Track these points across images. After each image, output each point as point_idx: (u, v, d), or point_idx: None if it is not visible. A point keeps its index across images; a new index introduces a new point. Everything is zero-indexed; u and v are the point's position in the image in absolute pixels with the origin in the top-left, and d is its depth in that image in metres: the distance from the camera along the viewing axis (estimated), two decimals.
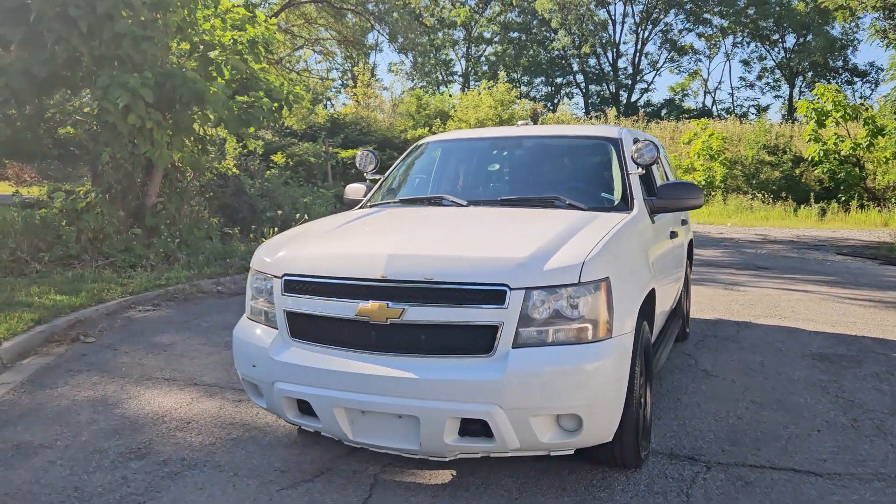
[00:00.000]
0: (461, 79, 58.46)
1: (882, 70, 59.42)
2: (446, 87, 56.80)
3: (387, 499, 3.31)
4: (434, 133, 30.41)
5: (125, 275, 8.63)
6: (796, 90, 55.68)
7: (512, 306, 2.95)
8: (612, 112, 33.46)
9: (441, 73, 58.38)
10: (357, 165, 4.65)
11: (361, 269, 3.16)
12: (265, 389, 3.39)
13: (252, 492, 3.41)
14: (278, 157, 17.58)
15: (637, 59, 56.67)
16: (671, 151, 28.18)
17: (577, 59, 56.62)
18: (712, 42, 56.45)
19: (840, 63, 54.14)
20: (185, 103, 9.41)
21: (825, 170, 23.99)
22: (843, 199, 23.26)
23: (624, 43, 57.29)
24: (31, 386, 5.07)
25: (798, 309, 8.04)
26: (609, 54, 56.91)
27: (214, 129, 11.04)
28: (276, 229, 11.34)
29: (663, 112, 53.40)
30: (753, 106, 56.85)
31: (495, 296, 2.97)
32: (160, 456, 3.84)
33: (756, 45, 56.48)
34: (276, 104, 10.79)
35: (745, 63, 57.18)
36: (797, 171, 25.57)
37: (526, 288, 2.96)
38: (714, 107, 57.04)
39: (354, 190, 4.92)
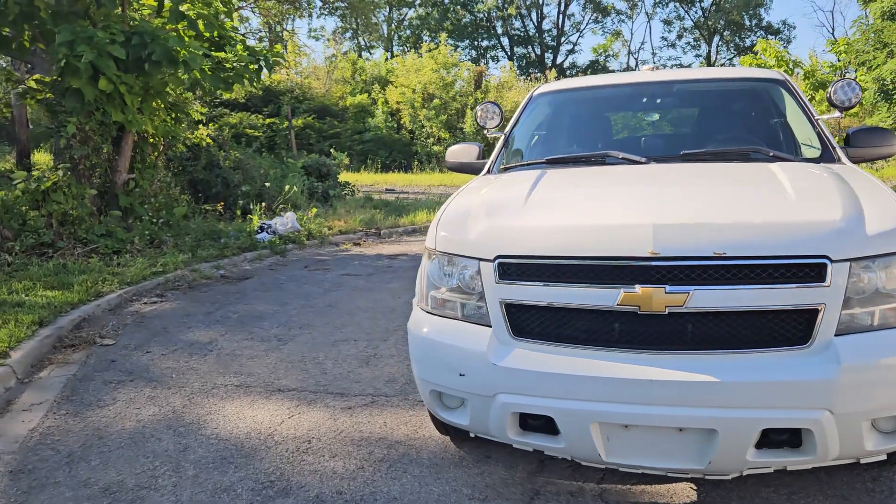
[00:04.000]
0: (384, 43, 56.87)
1: (794, 27, 61.67)
2: (369, 52, 55.24)
3: None
4: (373, 98, 29.31)
5: (113, 263, 7.52)
6: (713, 48, 57.01)
7: (835, 283, 2.31)
8: (552, 74, 33.08)
9: (364, 39, 56.65)
10: (477, 120, 3.88)
11: (619, 245, 2.45)
12: (477, 404, 2.65)
13: None
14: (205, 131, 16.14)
15: (561, 20, 56.55)
16: None
17: (502, 22, 56.00)
18: (633, 2, 56.91)
19: (755, 22, 55.63)
20: (156, 63, 8.21)
21: None
22: None
23: (547, 4, 56.85)
24: (73, 406, 4.12)
25: None
26: (533, 16, 56.55)
27: (191, 92, 9.85)
28: (263, 205, 10.30)
29: (588, 73, 53.59)
30: (676, 65, 57.67)
31: (812, 271, 2.32)
32: (307, 490, 3.04)
33: (675, 6, 57.33)
34: (252, 65, 9.68)
35: (667, 23, 58.03)
36: None
37: (850, 259, 2.33)
38: (637, 67, 57.65)
39: (465, 151, 4.13)
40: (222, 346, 5.21)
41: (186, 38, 8.21)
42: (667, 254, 2.38)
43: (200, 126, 11.33)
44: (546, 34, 56.85)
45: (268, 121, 26.09)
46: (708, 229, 2.42)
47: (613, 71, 55.15)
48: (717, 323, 2.38)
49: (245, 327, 5.70)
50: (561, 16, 56.23)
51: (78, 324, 5.77)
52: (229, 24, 9.84)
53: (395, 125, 28.43)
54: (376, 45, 56.69)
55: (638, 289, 2.38)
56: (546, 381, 2.49)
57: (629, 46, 59.39)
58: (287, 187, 10.95)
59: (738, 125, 3.87)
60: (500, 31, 56.75)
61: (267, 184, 10.85)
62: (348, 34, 54.77)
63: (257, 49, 9.43)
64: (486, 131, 4.06)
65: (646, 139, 3.97)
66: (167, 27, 8.75)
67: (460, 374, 2.64)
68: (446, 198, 14.35)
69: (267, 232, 9.41)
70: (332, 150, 18.19)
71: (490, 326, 2.65)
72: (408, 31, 56.62)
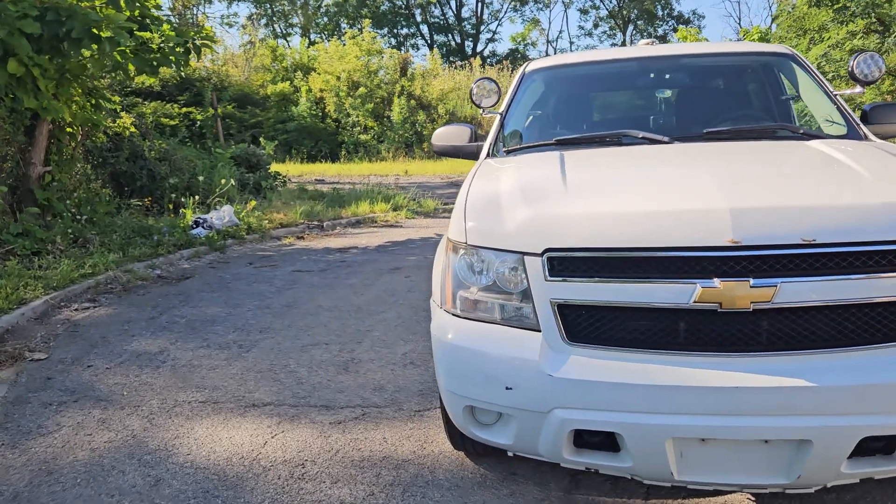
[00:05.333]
0: (300, 31, 55.39)
1: (703, 17, 63.60)
2: (285, 39, 53.76)
3: None
4: (296, 86, 28.38)
5: (34, 265, 6.75)
6: (628, 37, 58.19)
7: None
8: (476, 61, 32.88)
9: (280, 26, 55.11)
10: (472, 98, 3.49)
11: (693, 233, 2.13)
12: (527, 421, 2.29)
13: None
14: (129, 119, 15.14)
15: (479, 8, 56.43)
16: None
17: (421, 10, 55.44)
18: None
19: (667, 11, 57.08)
20: (76, 41, 7.39)
21: None
22: None
23: None
24: (9, 435, 3.53)
25: None
26: (453, 3, 56.21)
27: (114, 75, 9.01)
28: (196, 198, 9.59)
29: (508, 62, 53.70)
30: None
31: None
32: None
33: None
34: (179, 48, 8.93)
35: (583, 12, 58.89)
36: None
37: None
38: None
39: (455, 133, 3.74)
40: (175, 355, 4.66)
41: (113, 14, 7.40)
42: (749, 242, 2.08)
43: (124, 114, 10.45)
44: (466, 22, 56.68)
45: (184, 109, 24.81)
46: (792, 213, 2.14)
47: (533, 58, 55.62)
48: (808, 319, 2.10)
49: (197, 333, 5.15)
50: (480, 4, 56.15)
51: (1, 336, 5.09)
52: (153, 1, 9.05)
53: (320, 114, 27.60)
54: (293, 33, 55.26)
55: (718, 283, 2.07)
56: (612, 393, 2.15)
57: (547, 35, 59.90)
58: (223, 180, 10.23)
59: (753, 102, 3.65)
60: (419, 18, 56.19)
61: (200, 177, 10.10)
62: (263, 21, 53.16)
63: (185, 30, 8.68)
64: (481, 111, 3.68)
65: (655, 118, 3.69)
66: (83, 4, 7.94)
67: (507, 388, 2.27)
68: (386, 188, 13.92)
69: (203, 227, 8.75)
70: (260, 140, 17.41)
71: (537, 331, 2.29)
72: (325, 19, 55.31)
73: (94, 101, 8.64)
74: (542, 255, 2.25)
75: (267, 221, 9.60)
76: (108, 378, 4.30)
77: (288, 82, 29.00)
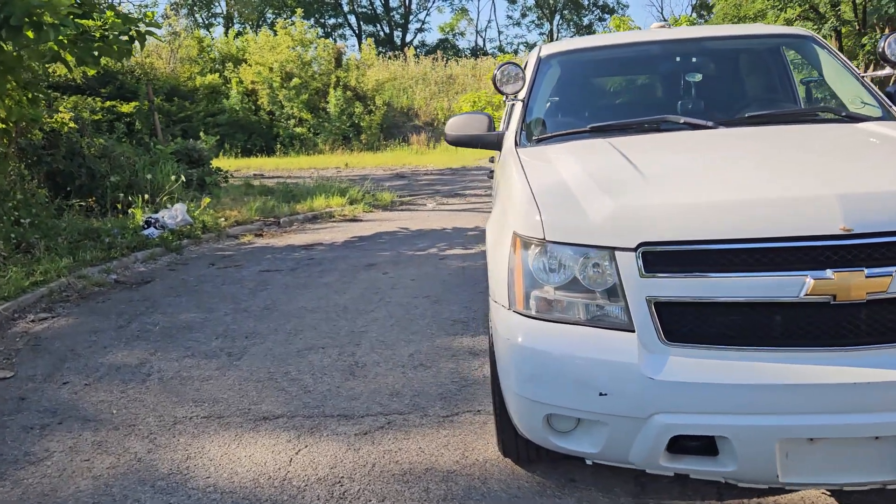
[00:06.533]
0: (223, 20, 53.69)
1: (627, 6, 64.80)
2: (208, 30, 52.01)
3: None
4: (226, 78, 27.44)
5: None
6: (555, 27, 58.85)
7: None
8: (410, 51, 32.54)
9: (202, 16, 53.31)
10: (495, 83, 3.28)
11: (800, 222, 2.01)
12: (621, 428, 2.12)
13: None
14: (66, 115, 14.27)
15: None
16: (479, 88, 28.06)
17: (347, 0, 54.59)
18: None
19: (592, 1, 57.98)
20: (15, 29, 6.79)
21: None
22: None
23: None
24: None
25: None
26: None
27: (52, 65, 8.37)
28: (145, 197, 9.05)
29: (439, 51, 53.41)
30: (522, 43, 59.04)
31: None
32: None
33: None
34: (124, 36, 8.37)
35: (511, 1, 59.11)
36: None
37: None
38: (485, 45, 58.47)
39: (472, 122, 3.51)
40: (160, 367, 4.32)
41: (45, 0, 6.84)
42: (863, 229, 1.97)
43: (62, 108, 9.77)
44: (394, 12, 56.14)
45: (108, 104, 23.64)
46: None
47: (462, 49, 55.58)
48: None
49: (176, 342, 4.79)
50: None
51: None
52: None
53: (253, 106, 26.73)
54: (216, 23, 53.54)
55: (831, 274, 1.96)
56: (719, 395, 2.01)
57: (476, 25, 59.96)
58: (173, 176, 9.69)
59: (778, 85, 3.59)
60: (346, 8, 55.32)
61: (149, 175, 9.53)
62: (184, 11, 51.27)
63: (132, 17, 8.11)
64: (504, 97, 3.49)
65: (683, 102, 3.58)
66: None
67: (600, 394, 2.10)
68: (337, 181, 13.52)
69: (155, 227, 8.26)
70: (200, 134, 16.71)
71: (628, 331, 2.13)
72: (247, 9, 53.72)
73: (30, 95, 8.00)
74: (635, 249, 2.09)
75: (222, 219, 9.16)
76: (91, 395, 3.93)
77: (217, 74, 27.99)
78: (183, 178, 9.85)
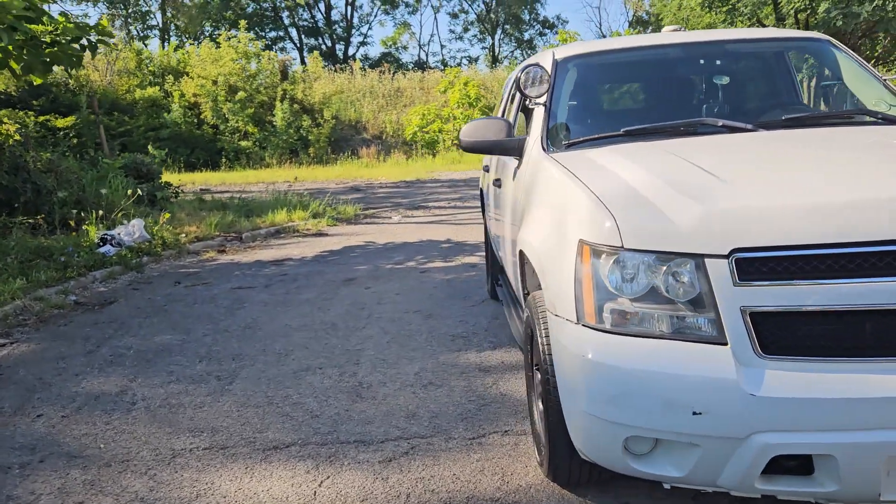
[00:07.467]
0: (160, 32, 52.36)
1: (567, 22, 65.94)
2: (143, 42, 50.60)
3: None
4: (167, 91, 26.64)
5: None
6: (497, 41, 59.45)
7: None
8: (356, 64, 32.27)
9: (136, 28, 51.85)
10: (520, 86, 3.11)
11: None
12: (714, 450, 1.96)
13: None
14: (12, 126, 13.59)
15: (349, 11, 55.71)
16: (425, 101, 27.97)
17: (289, 12, 53.96)
18: None
19: (532, 16, 58.83)
20: None
21: None
22: None
23: None
24: None
25: None
26: (321, 6, 55.12)
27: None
28: (99, 213, 8.54)
29: (383, 64, 53.18)
30: (465, 57, 59.43)
31: None
32: None
33: None
34: (75, 43, 7.91)
35: (453, 16, 59.53)
36: None
37: None
38: (428, 59, 58.59)
39: (490, 128, 3.31)
40: (144, 394, 3.98)
41: None
42: None
43: (6, 119, 9.20)
44: (336, 25, 55.76)
45: (42, 118, 22.61)
46: None
47: (405, 63, 55.49)
48: None
49: (156, 366, 4.45)
50: (349, 7, 55.45)
51: None
52: None
53: (195, 120, 26.01)
54: (152, 35, 52.19)
55: None
56: (824, 411, 1.87)
57: (419, 39, 60.11)
58: (129, 191, 9.21)
59: (801, 88, 3.53)
60: (287, 21, 54.66)
61: (104, 190, 9.03)
62: (118, 22, 49.77)
63: (83, 25, 7.66)
64: (527, 101, 3.32)
65: (708, 106, 3.48)
66: None
67: (694, 413, 1.94)
68: (292, 195, 13.11)
69: (111, 244, 7.80)
70: (149, 148, 16.05)
71: (719, 344, 1.97)
72: (182, 22, 52.53)
73: None
74: (728, 256, 1.94)
75: (182, 235, 8.73)
76: (71, 428, 3.58)
77: (157, 87, 27.16)
78: (140, 191, 9.37)
